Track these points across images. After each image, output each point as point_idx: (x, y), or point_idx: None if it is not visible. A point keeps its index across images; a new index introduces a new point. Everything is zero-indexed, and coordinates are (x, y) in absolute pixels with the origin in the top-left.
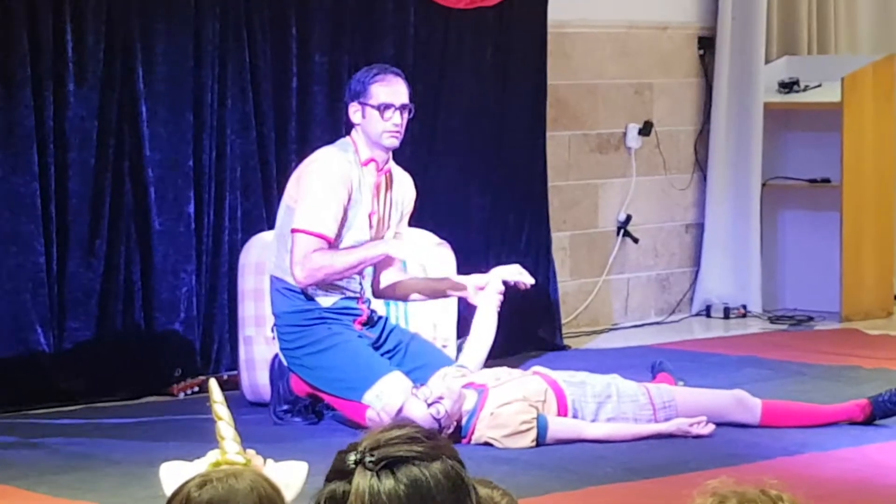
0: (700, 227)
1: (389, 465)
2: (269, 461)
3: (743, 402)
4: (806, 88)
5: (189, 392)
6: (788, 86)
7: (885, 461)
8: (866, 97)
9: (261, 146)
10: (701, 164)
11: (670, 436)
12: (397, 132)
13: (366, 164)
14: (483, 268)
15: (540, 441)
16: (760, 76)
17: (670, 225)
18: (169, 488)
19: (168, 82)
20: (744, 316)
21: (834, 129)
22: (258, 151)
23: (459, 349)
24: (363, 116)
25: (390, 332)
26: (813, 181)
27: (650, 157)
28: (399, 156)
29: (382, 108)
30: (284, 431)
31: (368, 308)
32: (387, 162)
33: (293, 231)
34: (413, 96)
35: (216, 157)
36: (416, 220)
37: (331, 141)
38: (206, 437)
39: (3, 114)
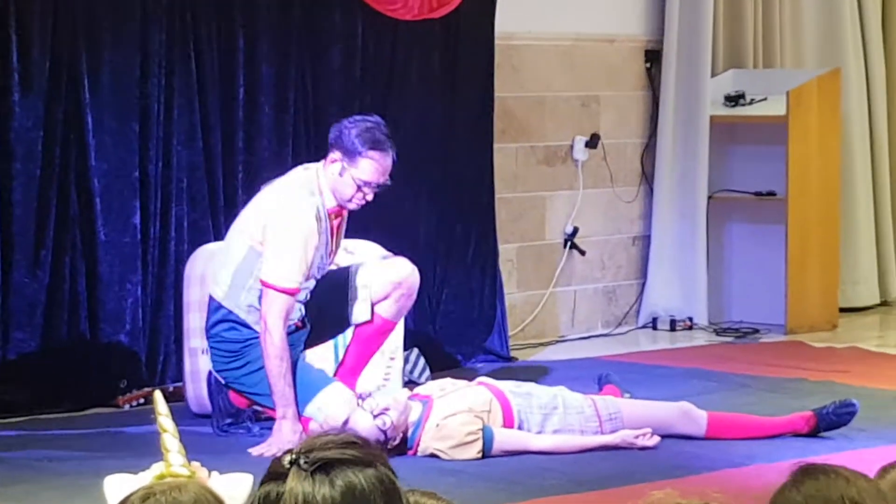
0: (647, 240)
1: (323, 467)
2: (214, 473)
3: (689, 414)
4: (752, 102)
5: (134, 403)
6: (734, 99)
7: None
8: (811, 111)
9: (207, 157)
10: (647, 176)
11: (616, 448)
12: (357, 201)
13: (330, 211)
14: (431, 280)
15: (486, 452)
16: (707, 89)
17: (617, 237)
18: (113, 501)
19: (114, 92)
20: (690, 328)
21: (779, 143)
22: (204, 162)
23: (406, 360)
24: (340, 175)
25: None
26: (759, 194)
27: (597, 169)
28: None
29: (363, 184)
30: (229, 443)
31: (301, 322)
32: (357, 205)
33: (267, 285)
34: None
35: (162, 168)
36: (364, 231)
37: (277, 153)
38: (150, 450)
39: None
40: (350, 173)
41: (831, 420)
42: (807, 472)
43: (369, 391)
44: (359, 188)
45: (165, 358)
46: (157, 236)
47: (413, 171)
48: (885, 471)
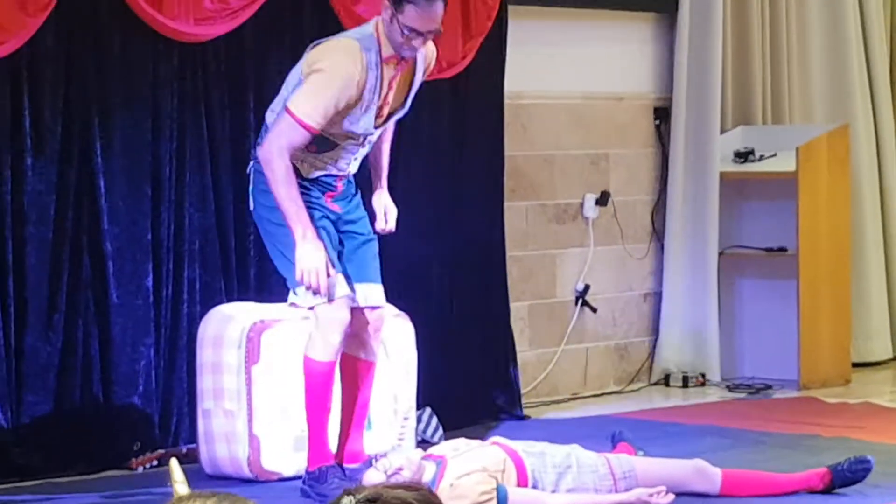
0: (658, 296)
1: None
2: None
3: (703, 472)
4: (761, 158)
5: (148, 466)
6: (744, 155)
7: None
8: (821, 166)
9: (219, 219)
10: (658, 233)
11: None
12: (416, 50)
13: (387, 60)
14: (443, 338)
15: None
16: (716, 146)
17: (628, 294)
18: None
19: (126, 156)
20: (703, 385)
21: (789, 198)
22: (217, 224)
23: (419, 420)
24: (390, 22)
25: (357, 216)
26: (769, 250)
27: (607, 226)
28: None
29: (408, 30)
30: None
31: (344, 184)
32: (410, 54)
33: (288, 111)
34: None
35: (174, 231)
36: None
37: None
38: None
39: None
40: (398, 20)
41: (846, 476)
42: None
43: (383, 451)
44: (406, 36)
45: (179, 420)
46: (169, 298)
47: (424, 229)
48: None
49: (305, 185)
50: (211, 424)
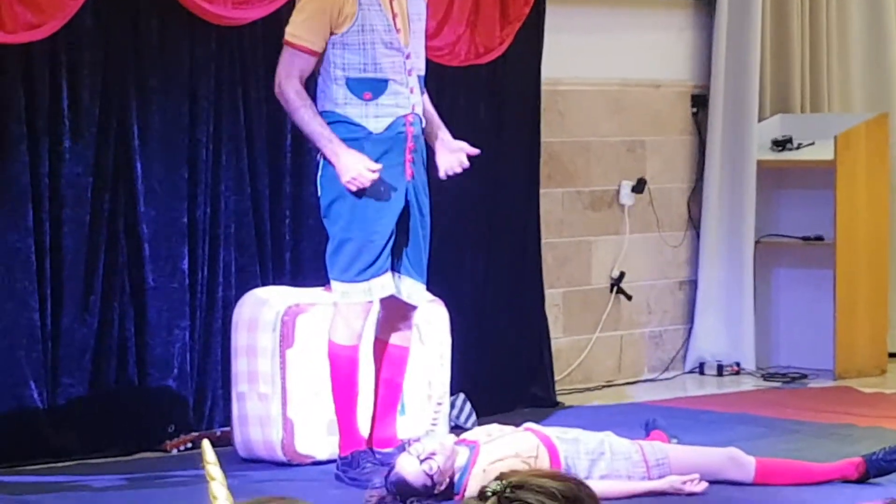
0: (693, 285)
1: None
2: None
3: (736, 460)
4: (799, 146)
5: (182, 448)
6: (782, 144)
7: None
8: (859, 155)
9: (255, 203)
10: (694, 221)
11: (663, 493)
12: None
13: None
14: (478, 325)
15: None
16: (754, 134)
17: (663, 282)
18: None
19: (163, 139)
20: (737, 373)
21: (827, 187)
22: (252, 208)
23: (453, 406)
24: None
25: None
26: (806, 239)
27: (643, 214)
28: None
29: None
30: (279, 490)
31: (413, 128)
32: None
33: (285, 41)
34: None
35: (211, 214)
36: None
37: None
38: (198, 495)
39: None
40: None
41: (881, 466)
42: None
43: (417, 436)
44: None
45: (213, 403)
46: (205, 281)
47: (459, 216)
48: None
49: (382, 142)
50: (245, 407)
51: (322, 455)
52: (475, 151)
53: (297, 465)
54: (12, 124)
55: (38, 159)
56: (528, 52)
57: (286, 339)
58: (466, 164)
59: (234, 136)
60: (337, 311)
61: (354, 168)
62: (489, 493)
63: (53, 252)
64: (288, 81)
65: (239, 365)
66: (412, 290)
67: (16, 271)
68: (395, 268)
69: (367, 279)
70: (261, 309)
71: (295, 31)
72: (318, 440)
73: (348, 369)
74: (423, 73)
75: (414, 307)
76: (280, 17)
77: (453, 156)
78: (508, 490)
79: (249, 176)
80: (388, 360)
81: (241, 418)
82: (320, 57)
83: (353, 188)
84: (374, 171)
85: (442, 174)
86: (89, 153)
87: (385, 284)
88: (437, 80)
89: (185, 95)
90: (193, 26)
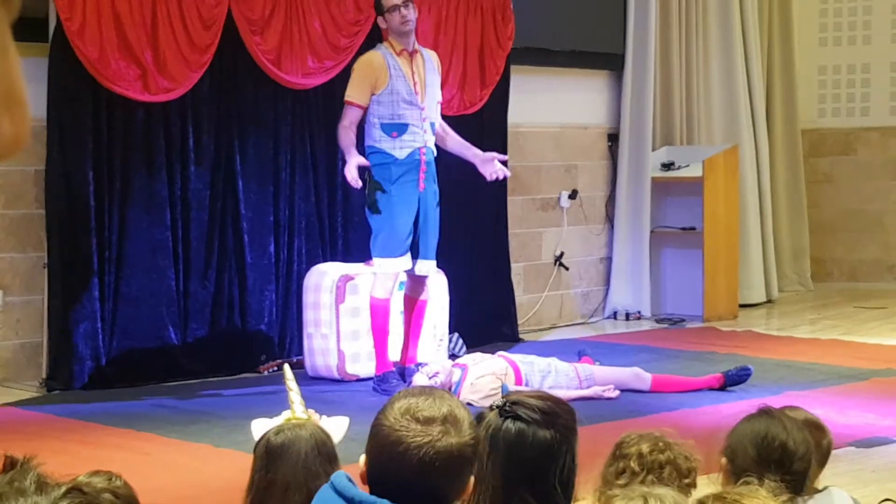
0: (609, 260)
1: (514, 417)
2: (324, 417)
3: (639, 376)
4: (679, 167)
5: (271, 370)
6: (667, 165)
7: (732, 413)
8: (719, 174)
9: (318, 208)
10: (610, 217)
11: (591, 398)
12: (408, 22)
13: (399, 53)
14: (467, 287)
15: None
16: (649, 160)
17: (589, 258)
18: (257, 435)
19: (256, 165)
20: (639, 319)
21: (698, 195)
22: (316, 211)
23: (450, 341)
24: (386, 22)
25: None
26: (684, 229)
27: (576, 213)
28: None
29: (393, 9)
30: (335, 398)
31: (427, 159)
32: (412, 47)
33: (344, 100)
34: None
35: (288, 215)
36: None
37: (362, 203)
38: (282, 402)
39: (147, 186)
40: (387, 14)
41: (735, 379)
42: (762, 412)
43: (425, 361)
44: (395, 15)
45: (291, 340)
46: (284, 260)
47: (453, 216)
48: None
49: (404, 166)
50: (312, 343)
51: (364, 374)
52: (504, 157)
53: (347, 381)
54: (156, 155)
55: (173, 179)
56: (499, 105)
57: (339, 297)
58: (505, 169)
59: (304, 164)
60: (376, 278)
61: (349, 172)
62: (494, 406)
63: (184, 241)
64: (343, 128)
65: (308, 315)
66: (423, 267)
67: (159, 254)
68: (414, 253)
69: (395, 257)
70: (322, 277)
71: (350, 93)
72: (361, 365)
73: (383, 315)
74: (435, 120)
75: (426, 277)
76: (333, 84)
77: (490, 164)
78: (507, 405)
79: (314, 189)
80: (414, 310)
81: (310, 350)
82: (365, 110)
83: (349, 180)
84: (354, 180)
85: (489, 178)
86: (207, 175)
87: (405, 262)
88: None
89: (271, 136)
90: (276, 89)
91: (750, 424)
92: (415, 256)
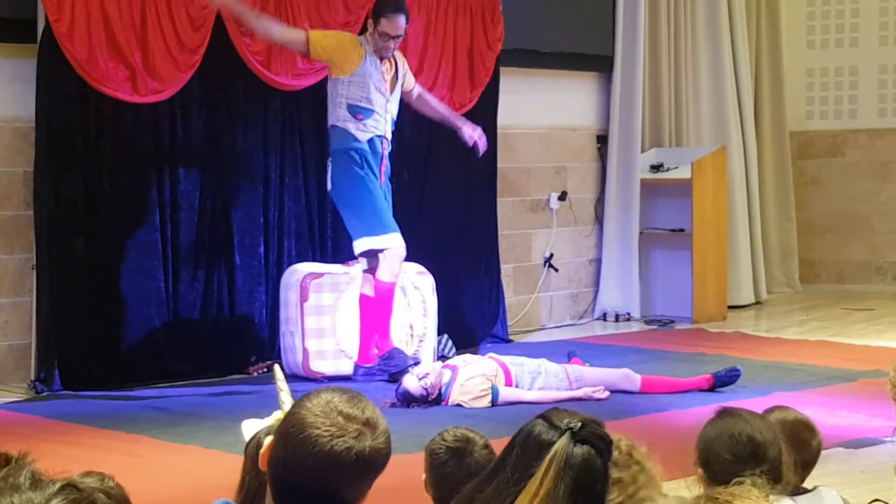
0: (598, 261)
1: (584, 441)
2: None
3: (628, 377)
4: (668, 169)
5: (261, 371)
6: (656, 167)
7: None
8: (707, 175)
9: (308, 209)
10: (599, 219)
11: (580, 399)
12: (388, 50)
13: (373, 53)
14: (456, 288)
15: (493, 403)
16: (637, 161)
17: (579, 259)
18: (248, 436)
19: (246, 166)
20: (628, 320)
21: (687, 197)
22: (306, 212)
23: (439, 342)
24: (371, 33)
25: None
26: (673, 230)
27: (565, 214)
28: (399, 210)
29: (384, 35)
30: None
31: (386, 149)
32: (389, 53)
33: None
34: (408, 30)
35: (278, 216)
36: (410, 255)
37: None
38: (272, 402)
39: (136, 187)
40: (376, 31)
41: (724, 380)
42: (720, 414)
43: (416, 361)
44: (382, 40)
45: (280, 341)
46: (274, 261)
47: (443, 218)
48: (766, 412)
49: (368, 153)
50: (285, 341)
51: (328, 371)
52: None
53: (313, 380)
54: (145, 157)
55: (162, 179)
56: (488, 106)
57: (303, 295)
58: (484, 142)
59: (293, 164)
60: (383, 259)
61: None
62: (566, 428)
63: (173, 242)
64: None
65: (282, 313)
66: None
67: (148, 255)
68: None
69: (394, 231)
70: (290, 276)
71: (314, 30)
72: (326, 363)
73: (388, 299)
74: (395, 116)
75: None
76: (323, 85)
77: (474, 129)
78: (580, 428)
79: (304, 190)
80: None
81: (284, 348)
82: (305, 44)
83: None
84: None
85: (468, 141)
86: (196, 176)
87: (401, 239)
88: (427, 125)
89: (261, 137)
90: (266, 90)
91: (713, 428)
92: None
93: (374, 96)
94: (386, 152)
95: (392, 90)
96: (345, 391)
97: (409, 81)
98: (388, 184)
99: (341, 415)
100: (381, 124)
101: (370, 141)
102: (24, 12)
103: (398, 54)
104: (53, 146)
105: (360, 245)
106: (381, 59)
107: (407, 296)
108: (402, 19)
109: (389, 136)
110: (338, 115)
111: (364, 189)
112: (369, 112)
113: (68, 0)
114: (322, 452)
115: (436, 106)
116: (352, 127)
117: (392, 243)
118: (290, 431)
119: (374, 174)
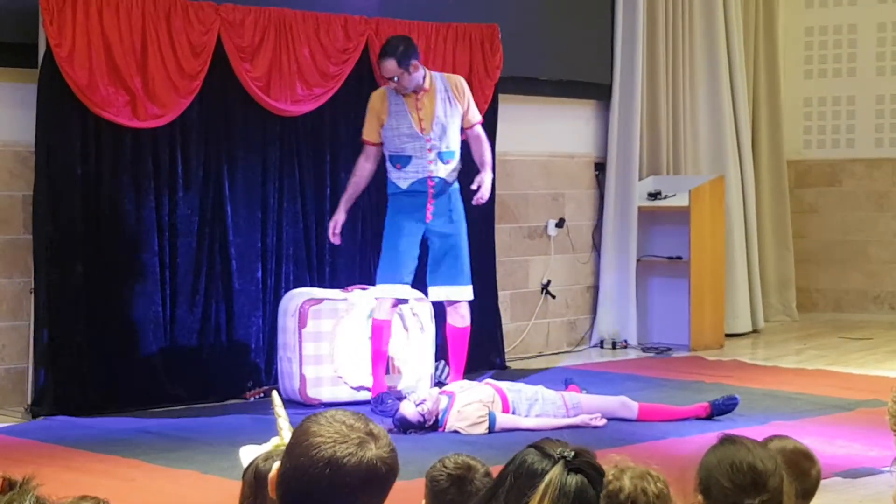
0: (596, 289)
1: (577, 470)
2: None
3: (626, 404)
4: (666, 197)
5: (258, 397)
6: (654, 195)
7: None
8: (705, 203)
9: (306, 234)
10: (596, 246)
11: (578, 427)
12: (403, 88)
13: (397, 96)
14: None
15: (491, 430)
16: (635, 189)
17: (576, 286)
18: (246, 462)
19: (244, 191)
20: (625, 347)
21: (684, 224)
22: (304, 237)
23: (437, 368)
24: None
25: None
26: (670, 258)
27: (563, 241)
28: None
29: (384, 78)
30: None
31: (436, 187)
32: (417, 89)
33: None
34: (399, 64)
35: (276, 241)
36: (420, 283)
37: (352, 230)
38: (269, 428)
39: (135, 212)
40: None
41: (721, 409)
42: (722, 441)
43: (413, 388)
44: (388, 82)
45: (278, 366)
46: (272, 286)
47: None
48: (765, 441)
49: (409, 197)
50: (282, 367)
51: (326, 398)
52: (481, 197)
53: (310, 406)
54: (144, 181)
55: (161, 205)
56: (487, 133)
57: (302, 321)
58: (483, 197)
59: (292, 189)
60: (380, 300)
61: (333, 219)
62: (559, 457)
63: (171, 267)
64: (359, 160)
65: (279, 339)
66: (450, 292)
67: (146, 279)
68: (435, 282)
69: (391, 283)
70: (289, 302)
71: (363, 131)
72: (323, 389)
73: (380, 336)
74: (443, 149)
75: (456, 302)
76: (322, 111)
77: (487, 178)
78: (573, 457)
79: (302, 215)
80: (450, 335)
81: (282, 374)
82: (379, 146)
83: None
84: (333, 234)
85: (473, 202)
86: (195, 200)
87: (403, 290)
88: None
89: (260, 162)
90: (265, 116)
91: (714, 455)
92: (433, 283)
93: (406, 144)
94: (433, 192)
95: (430, 127)
96: (345, 411)
97: (470, 117)
98: (447, 219)
99: (345, 425)
100: (423, 167)
101: (411, 186)
102: (25, 37)
103: (445, 81)
104: (53, 170)
105: (376, 290)
106: (406, 96)
107: (407, 324)
108: (388, 63)
109: (442, 173)
110: (387, 168)
111: (388, 237)
112: (406, 159)
113: (69, 25)
114: (324, 458)
115: (482, 151)
116: (393, 175)
117: (387, 292)
118: (296, 442)
119: (414, 219)
